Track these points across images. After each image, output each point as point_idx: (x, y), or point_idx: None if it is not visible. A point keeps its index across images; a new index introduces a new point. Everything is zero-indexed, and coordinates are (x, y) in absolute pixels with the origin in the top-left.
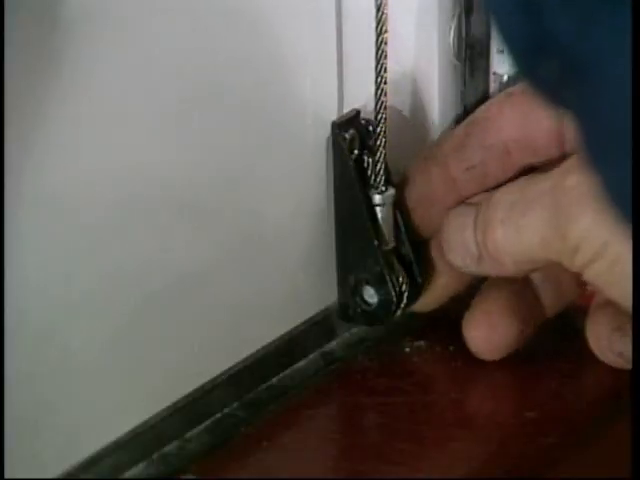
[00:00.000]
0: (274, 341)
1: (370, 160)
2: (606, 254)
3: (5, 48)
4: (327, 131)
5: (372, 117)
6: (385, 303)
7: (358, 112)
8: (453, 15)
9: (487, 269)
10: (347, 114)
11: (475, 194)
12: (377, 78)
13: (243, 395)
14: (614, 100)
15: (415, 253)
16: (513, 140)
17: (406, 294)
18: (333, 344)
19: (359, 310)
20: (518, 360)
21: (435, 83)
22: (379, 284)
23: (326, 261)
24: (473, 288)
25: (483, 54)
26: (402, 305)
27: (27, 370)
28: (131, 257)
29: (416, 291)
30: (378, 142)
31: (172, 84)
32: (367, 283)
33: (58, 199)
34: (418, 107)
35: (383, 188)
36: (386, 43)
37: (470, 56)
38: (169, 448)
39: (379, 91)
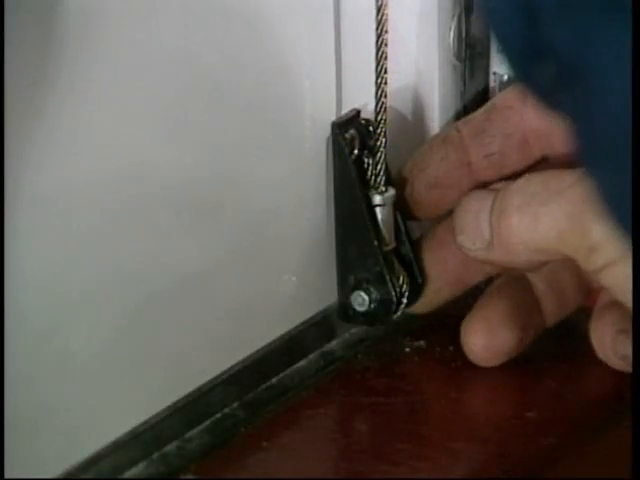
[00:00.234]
0: (274, 341)
1: (370, 160)
2: (628, 259)
3: (5, 48)
4: (327, 131)
5: (372, 117)
6: (385, 303)
7: (358, 112)
8: (453, 15)
9: (496, 256)
10: (347, 114)
11: (492, 181)
12: (377, 79)
13: (243, 395)
14: (612, 106)
15: (415, 253)
16: (532, 130)
17: (406, 294)
18: (333, 344)
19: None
20: (518, 360)
21: (435, 83)
22: (379, 284)
23: (326, 261)
24: (475, 288)
25: (483, 54)
26: (402, 305)
27: (27, 370)
28: (131, 257)
29: (416, 291)
30: (378, 142)
31: (171, 84)
32: (367, 283)
33: (58, 199)
34: (418, 107)
35: (383, 188)
36: (386, 44)
37: (470, 56)
38: (169, 448)
39: (379, 92)
